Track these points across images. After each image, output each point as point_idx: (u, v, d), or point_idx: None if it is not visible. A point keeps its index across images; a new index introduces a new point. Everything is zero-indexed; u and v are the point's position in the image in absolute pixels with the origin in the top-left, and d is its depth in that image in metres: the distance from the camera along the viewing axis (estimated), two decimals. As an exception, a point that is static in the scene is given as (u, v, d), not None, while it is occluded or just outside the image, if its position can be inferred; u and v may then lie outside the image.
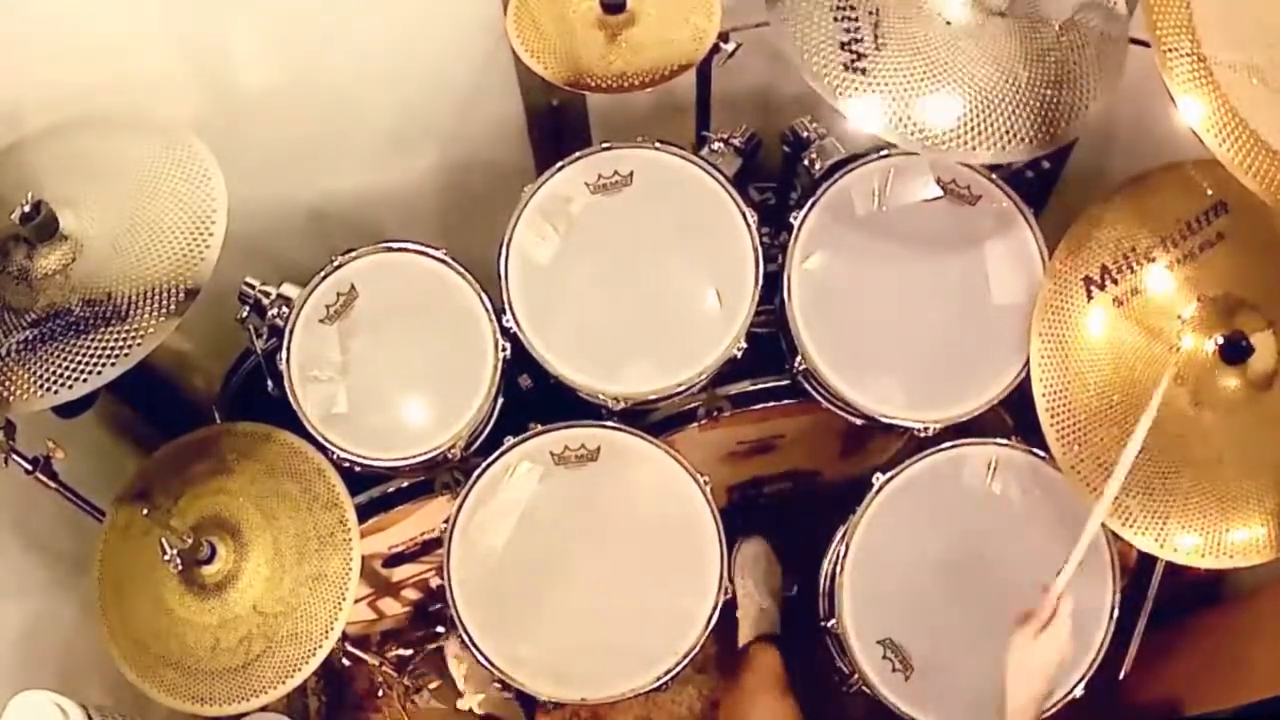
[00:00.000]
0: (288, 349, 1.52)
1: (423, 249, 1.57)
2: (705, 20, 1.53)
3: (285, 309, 1.54)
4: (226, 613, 1.43)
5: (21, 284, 1.31)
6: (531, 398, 1.64)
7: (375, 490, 1.64)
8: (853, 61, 1.33)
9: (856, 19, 1.36)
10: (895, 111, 1.32)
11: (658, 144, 1.60)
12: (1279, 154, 1.17)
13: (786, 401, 1.66)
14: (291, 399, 1.51)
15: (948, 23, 1.37)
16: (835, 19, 1.36)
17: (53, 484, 1.37)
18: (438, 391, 1.55)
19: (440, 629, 2.08)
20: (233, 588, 1.44)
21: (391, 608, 2.05)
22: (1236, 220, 1.45)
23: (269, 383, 1.57)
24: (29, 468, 1.33)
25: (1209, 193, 1.46)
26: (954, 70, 1.34)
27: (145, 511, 1.38)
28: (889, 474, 1.54)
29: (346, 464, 1.52)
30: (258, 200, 1.55)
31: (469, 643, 1.51)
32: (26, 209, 1.28)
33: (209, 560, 1.43)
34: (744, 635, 2.02)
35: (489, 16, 1.65)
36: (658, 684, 1.50)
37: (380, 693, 2.12)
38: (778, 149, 1.72)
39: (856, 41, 1.35)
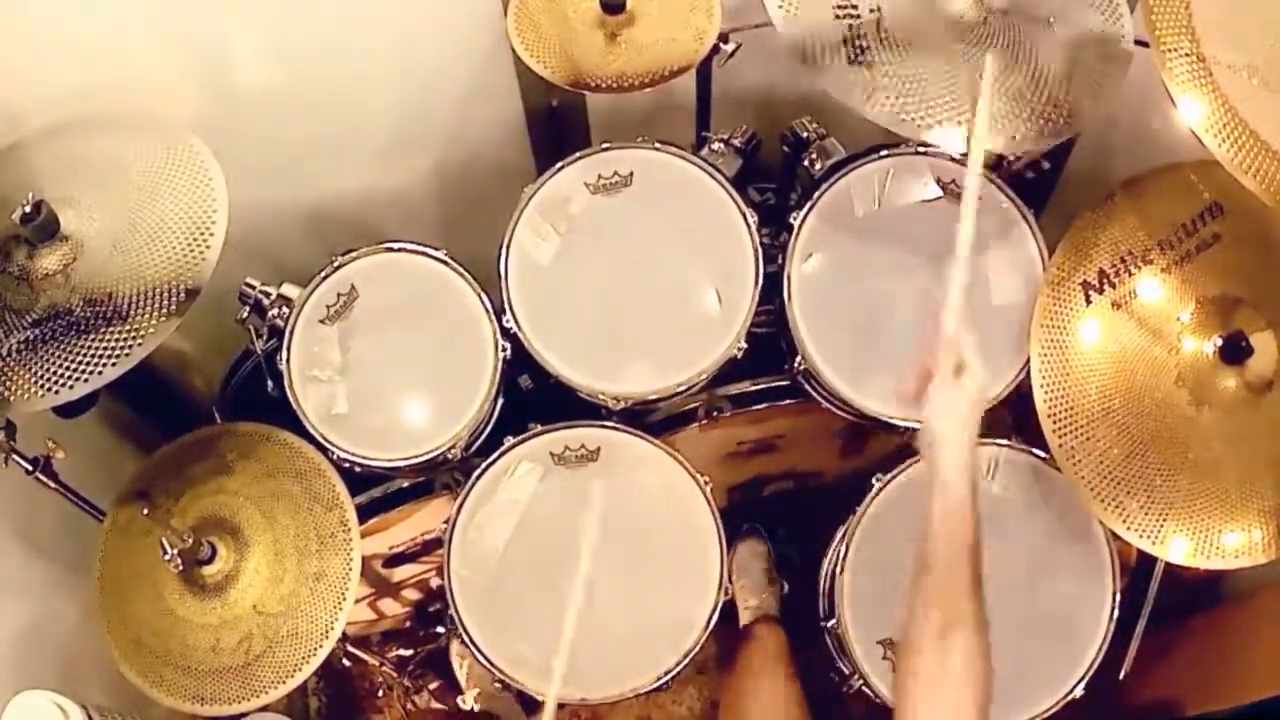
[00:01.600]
0: (288, 349, 1.52)
1: (423, 249, 1.57)
2: (705, 20, 1.53)
3: (285, 309, 1.54)
4: (226, 613, 1.44)
5: (22, 284, 1.31)
6: (531, 398, 1.64)
7: (375, 490, 1.64)
8: (857, 55, 1.34)
9: (859, 15, 1.37)
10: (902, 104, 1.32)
11: (658, 144, 1.60)
12: (1279, 154, 1.17)
13: (786, 401, 1.66)
14: (291, 399, 1.51)
15: (949, 19, 1.38)
16: (837, 16, 1.37)
17: (53, 484, 1.37)
18: (438, 392, 1.55)
19: (440, 629, 2.08)
20: (233, 588, 1.44)
21: (392, 608, 2.05)
22: (1232, 222, 1.45)
23: (269, 383, 1.57)
24: (29, 468, 1.33)
25: (1204, 195, 1.46)
26: (957, 65, 1.35)
27: (145, 511, 1.38)
28: (889, 474, 1.54)
29: (346, 464, 1.52)
30: (258, 200, 1.55)
31: (469, 643, 1.51)
32: (27, 209, 1.28)
33: (209, 560, 1.43)
34: (745, 635, 2.02)
35: (489, 16, 1.65)
36: (658, 684, 1.50)
37: (380, 693, 2.13)
38: (778, 149, 1.72)
39: (860, 36, 1.35)
